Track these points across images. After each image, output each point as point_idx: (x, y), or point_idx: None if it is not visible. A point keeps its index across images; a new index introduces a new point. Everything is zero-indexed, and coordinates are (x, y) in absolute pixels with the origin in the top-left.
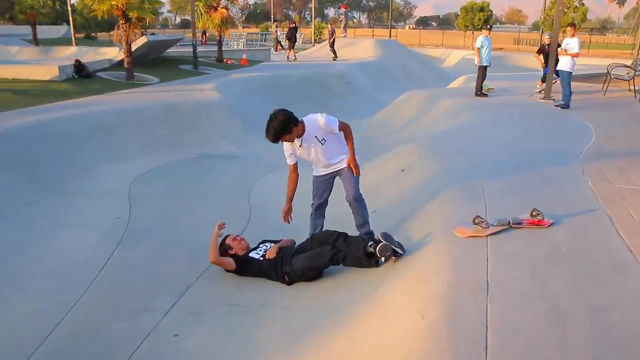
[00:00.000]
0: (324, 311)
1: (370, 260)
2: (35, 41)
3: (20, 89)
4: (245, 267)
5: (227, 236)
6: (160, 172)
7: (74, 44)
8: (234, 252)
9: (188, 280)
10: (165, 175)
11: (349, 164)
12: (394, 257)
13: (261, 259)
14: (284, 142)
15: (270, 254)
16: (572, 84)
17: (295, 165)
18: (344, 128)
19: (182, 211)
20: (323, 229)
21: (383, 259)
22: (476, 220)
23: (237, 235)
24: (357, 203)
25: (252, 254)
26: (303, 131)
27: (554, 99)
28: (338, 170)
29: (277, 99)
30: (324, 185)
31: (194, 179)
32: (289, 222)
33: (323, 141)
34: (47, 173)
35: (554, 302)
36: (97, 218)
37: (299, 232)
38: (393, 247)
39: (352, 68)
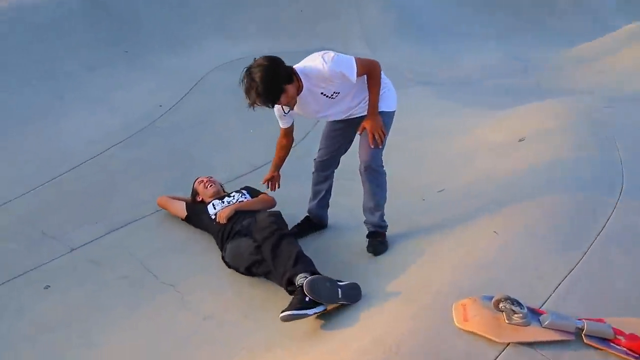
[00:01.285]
0: (207, 336)
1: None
2: None
3: None
4: (195, 217)
5: (197, 178)
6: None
7: None
8: (200, 198)
9: (138, 213)
10: None
11: (366, 124)
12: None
13: (213, 217)
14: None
15: (220, 218)
16: None
17: (289, 130)
18: (368, 71)
19: (226, 119)
20: (327, 199)
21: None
22: (501, 305)
23: (208, 177)
24: (368, 175)
25: (210, 206)
26: (300, 88)
27: None
28: (362, 117)
29: (477, 5)
30: (335, 132)
31: None
32: (273, 189)
33: (334, 95)
34: (136, 38)
35: None
36: (140, 101)
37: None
38: (309, 309)
39: None
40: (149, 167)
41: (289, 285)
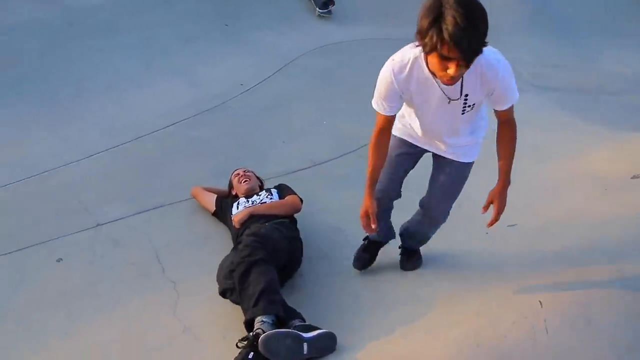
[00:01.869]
0: (175, 351)
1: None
2: None
3: None
4: (222, 214)
5: (235, 170)
6: (353, 48)
7: None
8: (234, 192)
9: (173, 197)
10: (358, 53)
11: (495, 201)
12: None
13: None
14: (401, 70)
15: (234, 222)
16: None
17: (392, 119)
18: (512, 119)
19: (302, 107)
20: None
21: None
22: None
23: (244, 171)
24: (432, 225)
25: (235, 204)
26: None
27: None
28: (445, 159)
29: None
30: (404, 156)
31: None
32: (375, 231)
33: (467, 108)
34: (242, 13)
35: None
36: (223, 77)
37: None
38: None
39: None
40: (204, 149)
41: (249, 328)
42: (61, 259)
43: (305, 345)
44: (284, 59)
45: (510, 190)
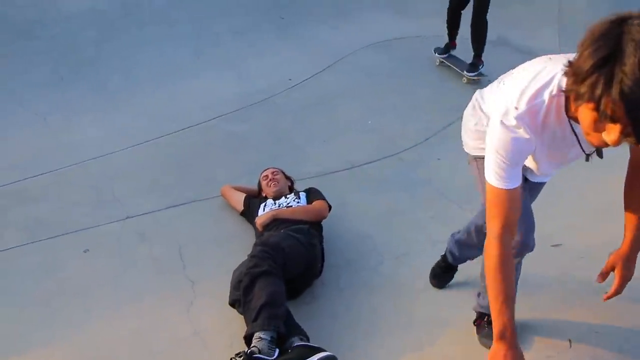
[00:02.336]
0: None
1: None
2: None
3: None
4: (249, 214)
5: (263, 171)
6: (411, 45)
7: None
8: (264, 193)
9: (204, 192)
10: (414, 51)
11: (616, 263)
12: None
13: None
14: (533, 119)
15: (257, 224)
16: None
17: (520, 198)
18: None
19: (349, 104)
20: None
21: None
22: None
23: (273, 174)
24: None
25: (262, 206)
26: None
27: None
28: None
29: None
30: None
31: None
32: None
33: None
34: (298, 5)
35: None
36: (271, 71)
37: None
38: None
39: None
40: (242, 145)
41: (249, 343)
42: (88, 250)
43: None
44: (335, 55)
45: (560, 205)
